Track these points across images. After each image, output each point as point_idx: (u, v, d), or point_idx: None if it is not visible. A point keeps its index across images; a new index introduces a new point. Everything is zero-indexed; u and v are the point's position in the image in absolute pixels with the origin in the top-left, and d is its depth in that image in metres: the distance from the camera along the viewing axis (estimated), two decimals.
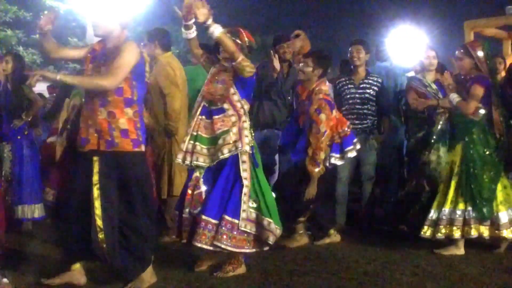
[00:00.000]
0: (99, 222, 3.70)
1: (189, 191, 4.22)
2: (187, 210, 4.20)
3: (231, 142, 4.15)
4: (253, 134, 4.37)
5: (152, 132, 5.36)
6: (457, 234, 4.83)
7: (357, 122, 5.82)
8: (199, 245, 4.09)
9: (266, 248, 4.33)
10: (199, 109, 4.26)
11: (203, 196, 4.20)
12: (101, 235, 3.70)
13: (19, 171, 5.69)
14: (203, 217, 4.09)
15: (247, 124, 4.27)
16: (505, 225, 4.86)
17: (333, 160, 5.04)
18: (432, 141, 5.29)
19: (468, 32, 9.06)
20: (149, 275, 3.91)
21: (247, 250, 4.25)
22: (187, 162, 4.20)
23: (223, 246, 4.11)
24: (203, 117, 4.23)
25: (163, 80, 5.29)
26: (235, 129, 4.18)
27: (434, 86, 5.67)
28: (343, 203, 5.96)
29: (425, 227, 4.94)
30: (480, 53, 4.96)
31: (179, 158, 4.24)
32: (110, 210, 3.74)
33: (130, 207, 3.84)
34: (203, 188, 4.21)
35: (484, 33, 9.37)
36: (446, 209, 4.87)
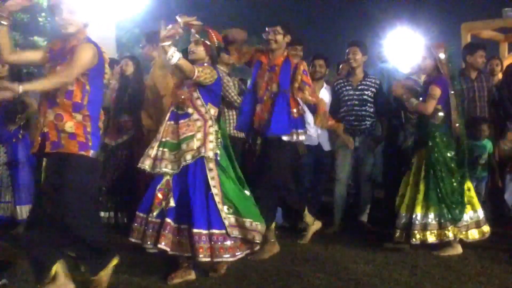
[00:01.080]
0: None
1: (160, 195, 4.12)
2: (154, 213, 4.10)
3: (194, 148, 4.08)
4: (219, 139, 4.26)
5: (149, 133, 5.35)
6: (431, 238, 4.85)
7: (355, 123, 5.84)
8: (201, 259, 4.02)
9: (257, 248, 4.32)
10: (168, 114, 4.23)
11: (173, 201, 4.09)
12: None
13: (15, 173, 5.71)
14: (194, 230, 4.00)
15: (213, 129, 4.19)
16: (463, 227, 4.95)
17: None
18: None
19: (465, 34, 9.09)
20: (107, 277, 3.84)
21: (240, 256, 4.20)
22: (157, 169, 4.11)
23: (224, 260, 4.11)
24: (171, 122, 4.18)
25: (160, 82, 5.29)
26: (199, 135, 4.12)
27: None
28: (341, 204, 5.97)
29: (398, 231, 4.96)
30: (442, 55, 4.98)
31: (146, 165, 4.12)
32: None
33: (65, 210, 3.62)
34: (174, 193, 4.13)
35: (481, 35, 9.41)
36: (418, 213, 4.87)
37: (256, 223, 4.23)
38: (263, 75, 4.85)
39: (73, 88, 3.61)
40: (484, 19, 9.46)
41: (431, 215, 4.85)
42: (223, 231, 4.07)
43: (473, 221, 4.99)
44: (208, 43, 4.25)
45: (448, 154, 4.93)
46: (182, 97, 4.15)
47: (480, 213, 5.04)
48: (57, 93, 3.58)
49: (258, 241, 4.24)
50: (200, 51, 4.24)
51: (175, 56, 3.92)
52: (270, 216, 4.77)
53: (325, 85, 6.20)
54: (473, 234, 4.98)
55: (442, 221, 4.85)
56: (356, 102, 5.86)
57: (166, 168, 4.09)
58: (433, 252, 4.91)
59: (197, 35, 4.22)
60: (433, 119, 4.95)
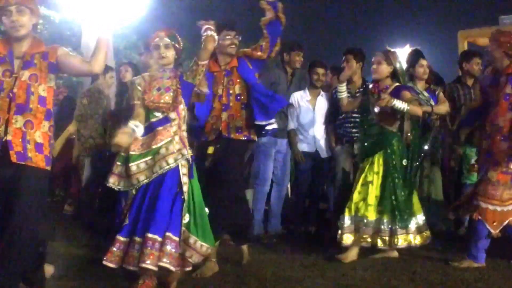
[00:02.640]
0: None
1: (126, 211, 3.93)
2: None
3: (175, 151, 3.90)
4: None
5: None
6: (380, 243, 4.86)
7: (354, 130, 5.84)
8: (147, 265, 3.69)
9: (188, 269, 3.99)
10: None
11: (128, 219, 3.87)
12: None
13: None
14: (149, 235, 3.73)
15: (185, 134, 4.05)
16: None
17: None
18: (426, 147, 5.38)
19: (461, 41, 9.15)
20: None
21: (176, 270, 3.88)
22: (120, 186, 3.90)
23: (171, 267, 3.78)
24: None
25: None
26: (177, 138, 3.95)
27: (426, 94, 5.75)
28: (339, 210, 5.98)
29: (347, 235, 4.92)
30: (398, 65, 5.04)
31: (110, 183, 3.90)
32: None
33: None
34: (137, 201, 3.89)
35: (478, 42, 9.46)
36: (373, 219, 4.89)
37: (202, 243, 3.93)
38: (221, 82, 4.64)
39: (45, 95, 3.45)
40: (481, 27, 9.52)
41: (385, 222, 4.87)
42: (177, 239, 3.82)
43: (416, 227, 4.99)
44: (178, 46, 4.08)
45: (404, 163, 4.97)
46: (168, 101, 3.93)
47: (421, 219, 5.04)
48: (31, 98, 3.39)
49: (192, 262, 3.94)
50: (171, 55, 4.04)
51: None
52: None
53: (322, 92, 6.21)
54: (417, 240, 4.95)
55: (393, 228, 4.86)
56: (355, 109, 5.87)
57: (140, 181, 3.86)
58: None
59: (166, 39, 4.00)
60: (391, 127, 4.99)
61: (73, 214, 6.77)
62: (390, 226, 4.87)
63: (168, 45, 4.02)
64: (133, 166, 3.86)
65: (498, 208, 4.61)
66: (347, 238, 4.92)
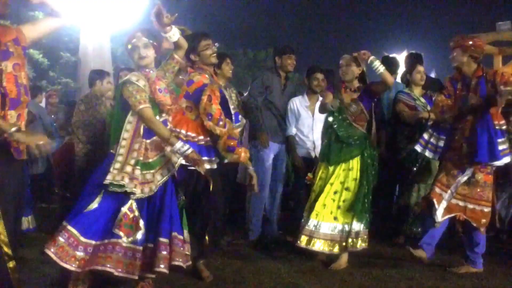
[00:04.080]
0: (6, 249, 3.28)
1: (130, 214, 3.73)
2: (129, 236, 3.70)
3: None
4: None
5: None
6: (350, 246, 4.80)
7: None
8: (160, 270, 3.65)
9: (189, 263, 3.89)
10: (142, 132, 3.81)
11: (140, 222, 3.73)
12: (11, 264, 3.31)
13: None
14: (161, 239, 3.71)
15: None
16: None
17: None
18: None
19: None
20: None
21: (187, 264, 3.85)
22: (143, 193, 3.75)
23: (182, 265, 3.74)
24: (146, 140, 3.83)
25: None
26: None
27: (422, 100, 5.78)
28: None
29: (314, 239, 4.86)
30: (365, 68, 5.03)
31: (138, 190, 3.71)
32: (13, 230, 3.37)
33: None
34: (137, 212, 3.74)
35: None
36: (352, 224, 4.82)
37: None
38: (216, 96, 4.40)
39: (26, 82, 3.35)
40: (478, 33, 9.53)
41: (353, 225, 4.81)
42: (182, 237, 3.82)
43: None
44: (156, 44, 3.92)
45: (374, 165, 4.93)
46: (172, 103, 3.90)
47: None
48: (21, 91, 3.29)
49: (188, 253, 3.86)
50: (151, 55, 3.90)
51: (176, 34, 3.84)
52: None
53: (320, 98, 6.20)
54: (365, 242, 4.89)
55: (359, 231, 4.82)
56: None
57: (152, 190, 3.75)
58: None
59: (144, 38, 3.85)
60: (362, 127, 4.95)
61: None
62: (357, 229, 4.82)
63: (147, 44, 3.87)
64: (151, 173, 3.78)
65: (485, 209, 4.67)
66: (320, 244, 4.84)
